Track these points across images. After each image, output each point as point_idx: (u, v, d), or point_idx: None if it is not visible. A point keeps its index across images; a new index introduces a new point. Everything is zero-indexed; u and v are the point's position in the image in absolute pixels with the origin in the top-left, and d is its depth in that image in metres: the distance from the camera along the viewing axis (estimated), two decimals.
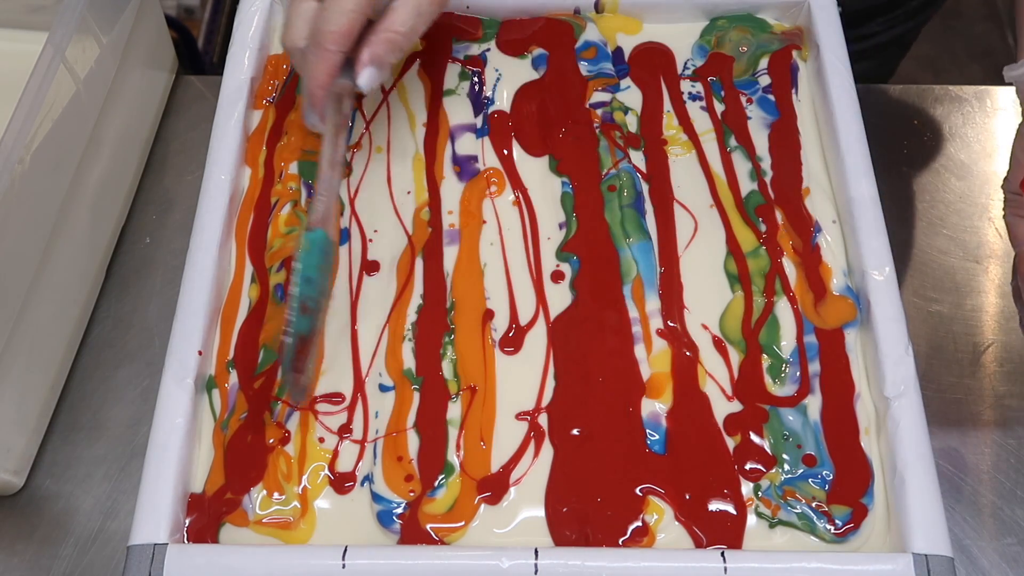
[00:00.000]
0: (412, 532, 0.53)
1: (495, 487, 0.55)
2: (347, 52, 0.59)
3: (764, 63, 0.71)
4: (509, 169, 0.67)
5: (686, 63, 0.72)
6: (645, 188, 0.66)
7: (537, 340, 0.60)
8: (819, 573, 0.50)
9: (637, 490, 0.55)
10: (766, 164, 0.66)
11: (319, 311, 0.58)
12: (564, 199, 0.65)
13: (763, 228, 0.64)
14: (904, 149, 0.76)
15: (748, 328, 0.60)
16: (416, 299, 0.61)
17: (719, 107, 0.69)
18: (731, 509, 0.54)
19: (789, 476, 0.55)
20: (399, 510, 0.54)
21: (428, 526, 0.53)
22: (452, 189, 0.66)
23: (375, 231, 0.64)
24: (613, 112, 0.69)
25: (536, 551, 0.51)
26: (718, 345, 0.60)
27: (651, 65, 0.72)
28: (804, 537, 0.53)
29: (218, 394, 0.58)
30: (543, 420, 0.57)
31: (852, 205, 0.62)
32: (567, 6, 0.73)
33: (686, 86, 0.70)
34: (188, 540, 0.53)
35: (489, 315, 0.61)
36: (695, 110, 0.69)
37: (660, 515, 0.54)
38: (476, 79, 0.71)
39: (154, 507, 0.52)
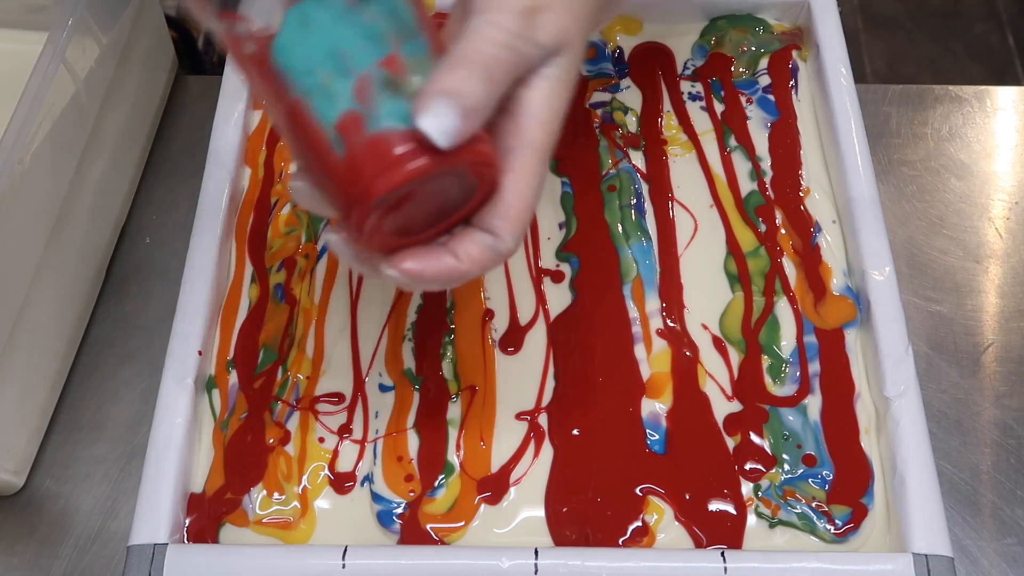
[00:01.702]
0: (412, 532, 0.53)
1: (495, 487, 0.55)
2: None
3: (764, 63, 0.71)
4: None
5: (686, 63, 0.72)
6: (645, 188, 0.66)
7: (537, 340, 0.60)
8: (819, 573, 0.50)
9: (637, 490, 0.55)
10: (766, 164, 0.66)
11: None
12: (564, 199, 0.65)
13: (763, 228, 0.64)
14: (904, 149, 0.76)
15: (748, 328, 0.60)
16: (416, 299, 0.61)
17: (719, 107, 0.69)
18: (731, 509, 0.54)
19: (789, 476, 0.55)
20: (399, 510, 0.54)
21: (428, 526, 0.53)
22: None
23: None
24: (613, 112, 0.69)
25: (536, 551, 0.51)
26: (718, 345, 0.60)
27: (651, 65, 0.72)
28: (804, 537, 0.53)
29: (218, 394, 0.58)
30: (543, 420, 0.57)
31: (852, 205, 0.62)
32: None
33: (686, 86, 0.70)
34: (188, 540, 0.53)
35: (489, 315, 0.61)
36: (695, 110, 0.69)
37: (660, 515, 0.54)
38: None
39: (154, 507, 0.52)
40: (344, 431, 0.57)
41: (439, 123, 0.38)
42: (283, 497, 0.55)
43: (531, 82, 0.42)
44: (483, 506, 0.54)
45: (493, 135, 0.42)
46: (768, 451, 0.56)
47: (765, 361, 0.59)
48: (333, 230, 0.43)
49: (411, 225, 0.43)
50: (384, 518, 0.54)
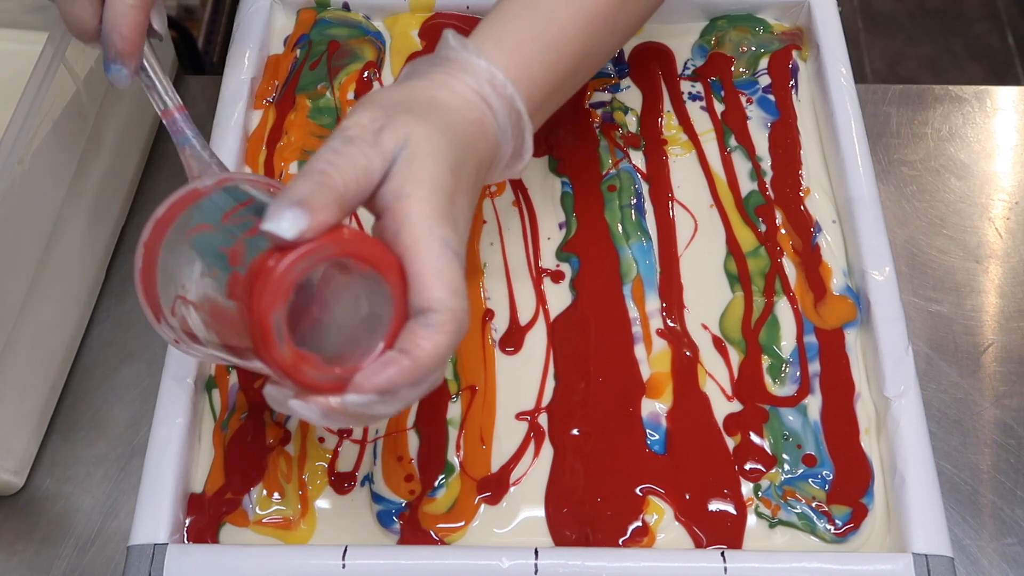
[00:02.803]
0: (412, 532, 0.53)
1: (495, 487, 0.55)
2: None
3: (764, 63, 0.71)
4: None
5: (686, 63, 0.72)
6: (645, 188, 0.66)
7: (537, 340, 0.60)
8: (819, 573, 0.50)
9: (637, 490, 0.55)
10: (766, 164, 0.66)
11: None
12: (564, 199, 0.65)
13: (763, 228, 0.64)
14: (904, 149, 0.76)
15: (748, 328, 0.60)
16: None
17: (719, 107, 0.69)
18: (731, 509, 0.54)
19: (789, 476, 0.55)
20: (399, 510, 0.54)
21: (428, 526, 0.53)
22: None
23: None
24: (613, 112, 0.69)
25: (536, 551, 0.51)
26: (718, 345, 0.60)
27: (651, 65, 0.72)
28: (804, 537, 0.53)
29: (218, 394, 0.58)
30: (543, 420, 0.57)
31: (852, 205, 0.62)
32: None
33: (686, 86, 0.70)
34: (188, 540, 0.53)
35: (489, 315, 0.61)
36: (695, 110, 0.69)
37: (660, 515, 0.54)
38: None
39: (154, 507, 0.52)
40: (344, 431, 0.57)
41: (280, 222, 0.40)
42: (283, 497, 0.55)
43: (390, 175, 0.43)
44: (483, 506, 0.54)
45: (381, 235, 0.43)
46: (768, 451, 0.56)
47: (765, 361, 0.59)
48: (296, 398, 0.42)
49: (344, 353, 0.42)
50: (384, 518, 0.54)
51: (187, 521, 0.54)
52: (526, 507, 0.54)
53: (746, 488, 0.55)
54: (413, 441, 0.56)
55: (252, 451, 0.56)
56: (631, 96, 0.70)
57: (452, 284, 0.42)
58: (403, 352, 0.41)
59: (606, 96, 0.70)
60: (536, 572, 0.50)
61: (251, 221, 0.43)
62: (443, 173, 0.44)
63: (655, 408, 0.57)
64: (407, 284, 0.42)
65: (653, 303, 0.61)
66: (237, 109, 0.67)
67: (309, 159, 0.43)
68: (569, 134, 0.68)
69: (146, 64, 0.54)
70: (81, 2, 0.52)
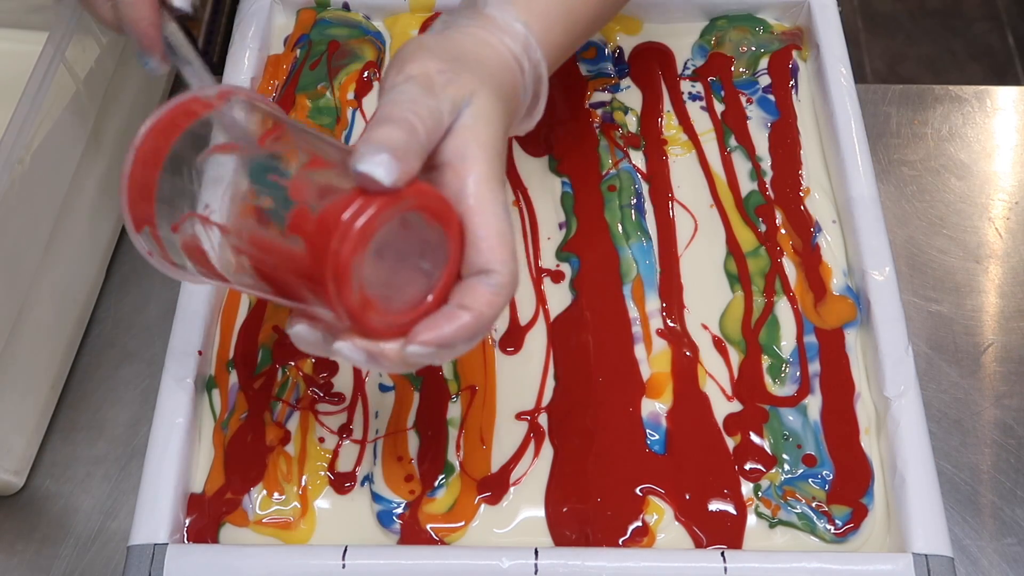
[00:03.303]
0: (412, 532, 0.53)
1: (495, 487, 0.55)
2: None
3: (764, 63, 0.71)
4: (509, 169, 0.67)
5: (686, 63, 0.72)
6: (645, 188, 0.66)
7: (537, 340, 0.60)
8: (819, 573, 0.50)
9: (637, 490, 0.55)
10: (766, 164, 0.66)
11: None
12: (564, 199, 0.65)
13: (763, 228, 0.64)
14: (904, 149, 0.76)
15: (748, 328, 0.60)
16: None
17: (719, 107, 0.69)
18: (731, 509, 0.54)
19: (789, 476, 0.55)
20: (399, 510, 0.54)
21: (428, 526, 0.53)
22: None
23: None
24: (613, 112, 0.69)
25: (536, 551, 0.51)
26: (718, 345, 0.60)
27: (651, 65, 0.72)
28: (804, 537, 0.53)
29: (218, 394, 0.58)
30: (543, 420, 0.57)
31: (852, 205, 0.62)
32: None
33: (686, 86, 0.70)
34: (188, 540, 0.53)
35: None
36: (695, 110, 0.69)
37: (660, 515, 0.54)
38: None
39: (154, 507, 0.52)
40: (344, 431, 0.57)
41: (376, 167, 0.40)
42: (283, 497, 0.55)
43: (454, 130, 0.44)
44: (483, 506, 0.54)
45: (441, 189, 0.44)
46: (768, 451, 0.56)
47: (765, 361, 0.59)
48: (343, 339, 0.43)
49: (401, 299, 0.43)
50: (384, 518, 0.54)
51: (187, 521, 0.54)
52: (526, 507, 0.54)
53: (746, 488, 0.55)
54: (413, 441, 0.56)
55: (252, 451, 0.56)
56: (631, 96, 0.70)
57: (511, 248, 0.43)
58: (464, 308, 0.42)
59: (606, 96, 0.70)
60: (536, 572, 0.50)
61: (303, 152, 0.43)
62: (499, 135, 0.45)
63: (655, 408, 0.57)
64: (464, 243, 0.43)
65: (653, 303, 0.61)
66: None
67: (385, 103, 0.43)
68: (569, 134, 0.68)
69: (172, 46, 0.57)
70: (100, 5, 0.56)
